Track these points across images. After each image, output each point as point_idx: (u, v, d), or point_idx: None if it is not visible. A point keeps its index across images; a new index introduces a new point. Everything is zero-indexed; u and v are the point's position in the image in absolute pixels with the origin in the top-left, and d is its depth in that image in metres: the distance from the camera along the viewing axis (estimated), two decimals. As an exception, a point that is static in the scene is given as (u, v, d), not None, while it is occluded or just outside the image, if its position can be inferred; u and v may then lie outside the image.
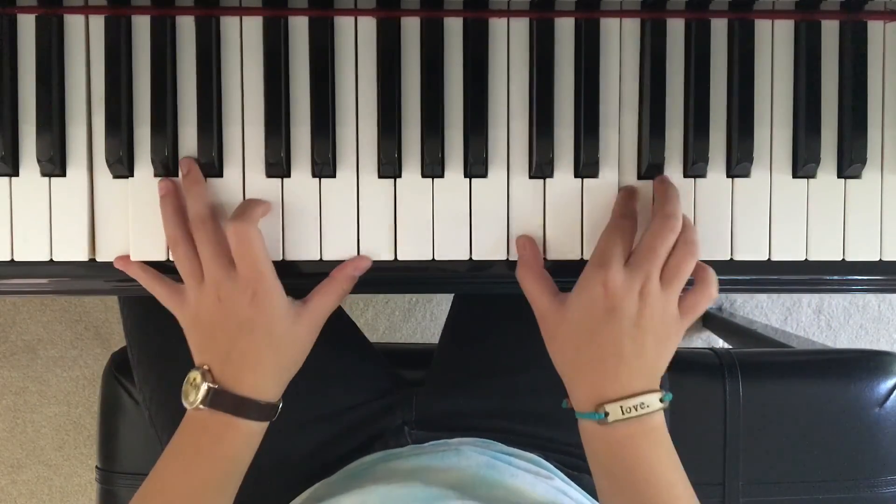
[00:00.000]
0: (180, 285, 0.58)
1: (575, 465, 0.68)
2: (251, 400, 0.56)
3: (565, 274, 0.59)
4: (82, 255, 0.59)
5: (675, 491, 0.53)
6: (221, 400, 0.55)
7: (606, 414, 0.53)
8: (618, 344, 0.53)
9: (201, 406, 0.55)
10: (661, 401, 0.54)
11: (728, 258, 0.61)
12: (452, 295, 0.81)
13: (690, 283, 0.56)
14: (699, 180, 0.61)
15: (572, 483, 0.64)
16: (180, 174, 0.58)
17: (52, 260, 0.59)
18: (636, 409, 0.53)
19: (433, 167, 0.59)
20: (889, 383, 0.82)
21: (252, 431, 0.57)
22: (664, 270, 0.55)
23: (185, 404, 0.56)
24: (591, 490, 0.65)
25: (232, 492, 0.58)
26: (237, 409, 0.56)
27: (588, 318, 0.54)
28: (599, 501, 0.57)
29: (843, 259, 0.61)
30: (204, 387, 0.55)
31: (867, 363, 0.82)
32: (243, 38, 0.59)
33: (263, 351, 0.56)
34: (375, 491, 0.55)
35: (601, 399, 0.54)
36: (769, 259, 0.61)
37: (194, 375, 0.56)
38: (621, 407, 0.53)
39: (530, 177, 0.60)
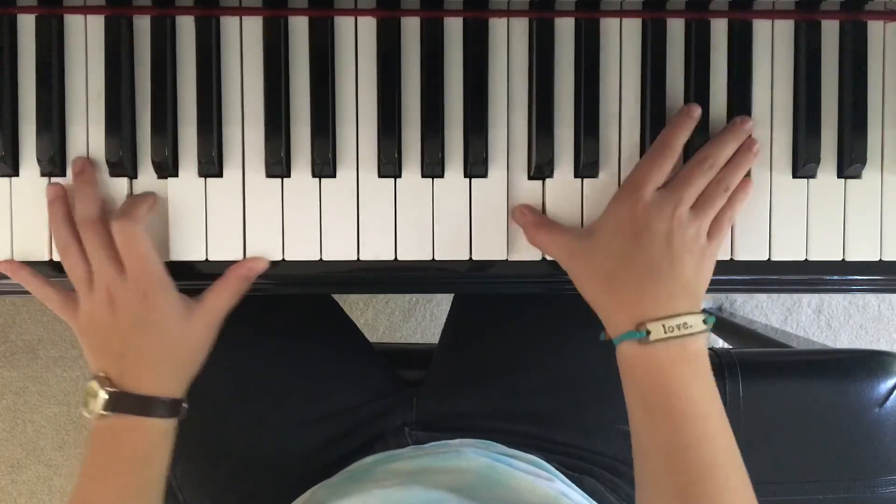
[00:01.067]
0: (72, 292, 0.57)
1: (575, 467, 0.68)
2: (152, 398, 0.56)
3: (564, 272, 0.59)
4: (82, 255, 0.59)
5: (710, 425, 0.52)
6: (124, 402, 0.55)
7: (648, 332, 0.52)
8: (653, 264, 0.53)
9: (103, 412, 0.55)
10: (705, 322, 0.52)
11: (728, 258, 0.61)
12: (452, 295, 0.81)
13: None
14: (699, 180, 0.61)
15: (573, 485, 0.64)
16: (71, 174, 0.58)
17: (52, 260, 0.59)
18: (678, 329, 0.51)
19: (433, 167, 0.59)
20: (889, 383, 0.82)
21: (160, 430, 0.56)
22: (696, 201, 0.55)
23: (87, 414, 0.56)
24: (591, 492, 0.65)
25: (156, 496, 0.57)
26: (140, 407, 0.55)
27: (619, 240, 0.54)
28: (633, 439, 0.55)
29: (844, 259, 0.61)
30: (102, 393, 0.55)
31: (867, 363, 0.82)
32: (243, 38, 0.59)
33: (158, 348, 0.56)
34: (374, 494, 0.55)
35: (642, 318, 0.52)
36: (769, 259, 0.61)
37: (91, 385, 0.56)
38: (663, 325, 0.51)
39: (530, 177, 0.60)
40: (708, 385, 0.53)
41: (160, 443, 0.57)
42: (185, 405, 0.58)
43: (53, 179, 0.59)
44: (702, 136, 0.60)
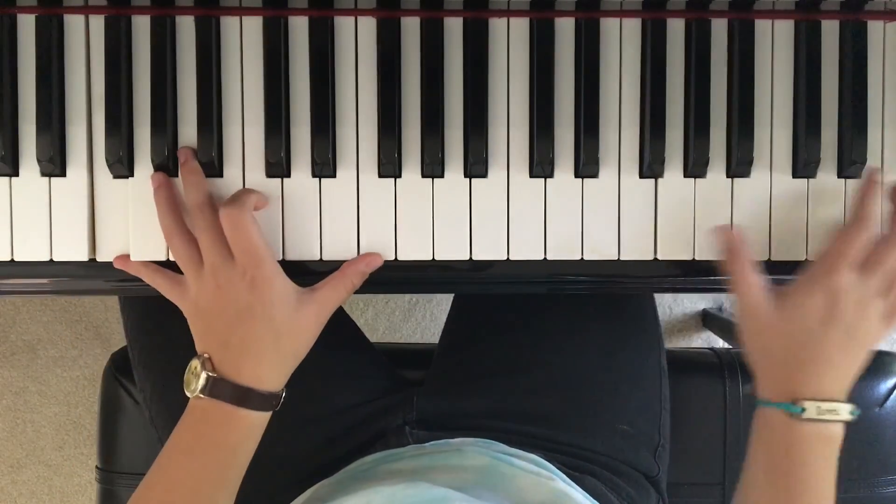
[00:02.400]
0: (181, 276, 0.58)
1: (576, 466, 0.68)
2: (251, 389, 0.56)
3: (565, 269, 0.59)
4: (82, 255, 0.59)
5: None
6: (221, 389, 0.55)
7: (803, 409, 0.55)
8: (829, 351, 0.55)
9: (201, 395, 0.55)
10: (850, 413, 0.55)
11: (728, 258, 0.61)
12: (452, 295, 0.81)
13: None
14: (699, 180, 0.61)
15: (574, 484, 0.64)
16: (179, 164, 0.58)
17: (52, 260, 0.59)
18: (829, 414, 0.55)
19: (433, 167, 0.59)
20: (889, 383, 0.82)
21: (253, 422, 0.56)
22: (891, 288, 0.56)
23: (187, 393, 0.56)
24: (592, 491, 0.65)
25: (234, 484, 0.57)
26: (237, 398, 0.55)
27: (806, 321, 0.56)
28: (744, 489, 0.59)
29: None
30: (203, 375, 0.55)
31: (867, 363, 0.82)
32: (243, 38, 0.59)
33: (263, 338, 0.56)
34: (380, 492, 0.55)
35: (801, 395, 0.55)
36: (769, 259, 0.61)
37: (195, 364, 0.56)
38: (818, 407, 0.55)
39: (530, 176, 0.60)
40: (833, 469, 0.56)
41: (251, 434, 0.57)
42: (283, 396, 0.58)
43: (54, 180, 0.59)
44: (702, 138, 0.60)
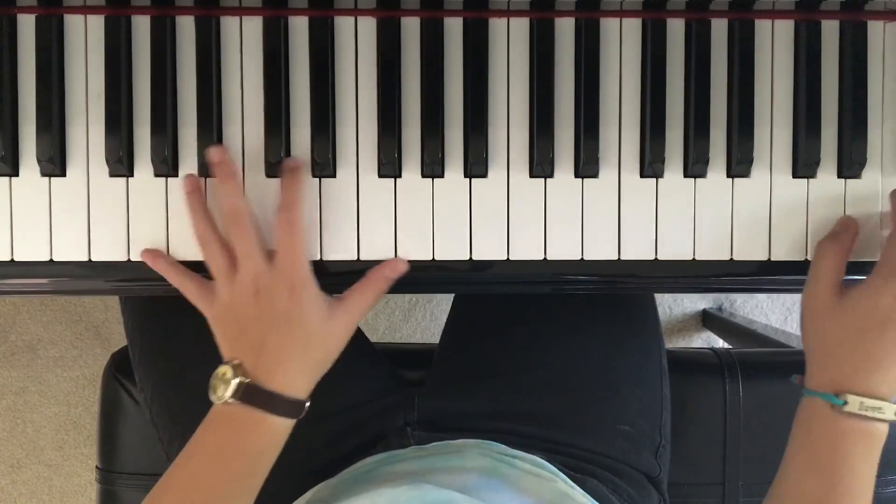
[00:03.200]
0: (209, 282, 0.58)
1: (578, 468, 0.68)
2: (281, 396, 0.55)
3: (565, 269, 0.59)
4: (82, 255, 0.59)
5: (859, 503, 0.55)
6: (252, 394, 0.55)
7: (846, 402, 0.55)
8: (884, 352, 0.55)
9: (231, 400, 0.55)
10: (895, 414, 0.55)
11: (728, 258, 0.61)
12: (453, 295, 0.81)
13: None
14: (699, 180, 0.61)
15: (575, 485, 0.64)
16: (210, 164, 0.58)
17: (52, 260, 0.59)
18: (872, 411, 0.55)
19: (433, 167, 0.59)
20: (889, 383, 0.81)
21: (280, 428, 0.56)
22: None
23: (213, 398, 0.56)
24: (593, 493, 0.65)
25: (254, 491, 0.57)
26: (267, 404, 0.55)
27: (866, 319, 0.56)
28: (779, 480, 0.59)
29: (844, 259, 0.61)
30: (235, 381, 0.55)
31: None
32: (243, 38, 0.59)
33: (297, 345, 0.56)
34: (384, 493, 0.55)
35: (845, 388, 0.55)
36: (769, 259, 0.61)
37: (224, 370, 0.55)
38: (861, 402, 0.55)
39: (530, 176, 0.60)
40: (873, 468, 0.56)
41: (277, 441, 0.57)
42: (307, 406, 0.58)
43: (54, 180, 0.59)
44: (702, 138, 0.60)
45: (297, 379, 0.56)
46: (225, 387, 0.55)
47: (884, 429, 0.56)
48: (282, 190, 0.57)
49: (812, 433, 0.57)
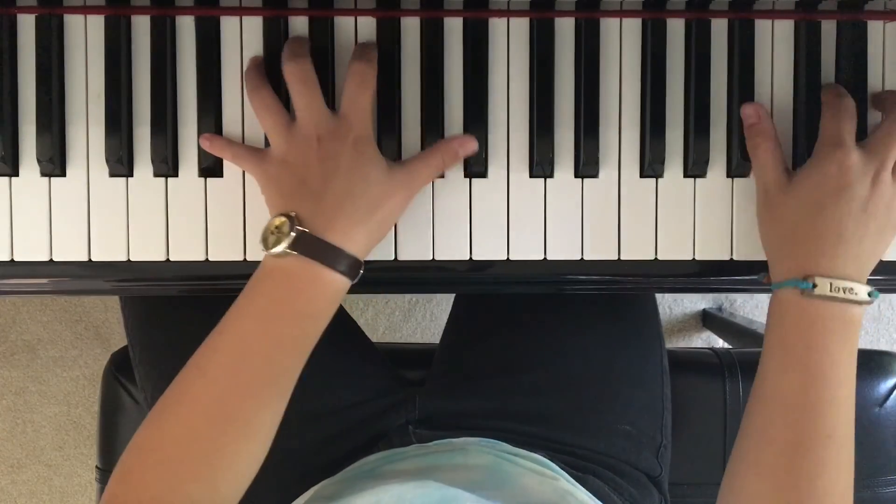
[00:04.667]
0: (259, 148, 0.57)
1: (580, 466, 0.68)
2: (339, 249, 0.52)
3: (565, 269, 0.59)
4: (82, 255, 0.59)
5: (841, 392, 0.53)
6: (311, 245, 0.52)
7: (815, 285, 0.53)
8: (841, 224, 0.53)
9: (287, 250, 0.51)
10: (869, 295, 0.53)
11: (728, 258, 0.61)
12: (453, 295, 0.81)
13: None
14: (699, 180, 0.61)
15: (577, 484, 0.64)
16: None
17: (52, 260, 0.59)
18: (843, 292, 0.52)
19: (433, 167, 0.59)
20: (889, 383, 0.82)
21: (336, 287, 0.53)
22: None
23: (264, 250, 0.52)
24: (595, 492, 0.65)
25: (304, 358, 0.54)
26: (327, 256, 0.52)
27: (816, 194, 0.54)
28: (757, 384, 0.56)
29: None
30: (291, 230, 0.51)
31: (867, 363, 0.82)
32: (243, 38, 0.59)
33: (357, 196, 0.53)
34: (389, 490, 0.54)
35: (813, 271, 0.53)
36: (769, 259, 0.61)
37: (278, 221, 0.52)
38: (831, 283, 0.53)
39: (530, 176, 0.60)
40: (852, 354, 0.53)
41: (333, 302, 0.54)
42: (362, 272, 0.55)
43: (54, 180, 0.59)
44: (702, 138, 0.60)
45: (356, 233, 0.53)
46: (279, 237, 0.52)
47: (859, 312, 0.54)
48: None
49: (784, 326, 0.55)
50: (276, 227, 0.52)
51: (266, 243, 0.52)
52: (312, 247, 0.52)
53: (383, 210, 0.55)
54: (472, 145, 0.58)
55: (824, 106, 0.58)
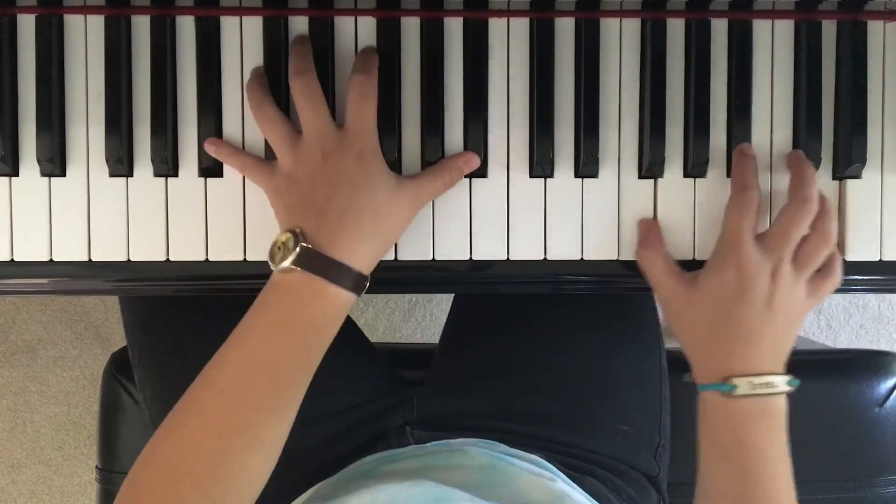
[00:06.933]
0: (269, 161, 0.57)
1: (577, 467, 0.68)
2: (344, 264, 0.53)
3: (565, 269, 0.59)
4: (82, 255, 0.59)
5: (776, 483, 0.55)
6: (315, 260, 0.52)
7: (735, 387, 0.54)
8: (749, 325, 0.55)
9: (292, 266, 0.52)
10: (788, 384, 0.55)
11: (728, 258, 0.61)
12: (453, 295, 0.81)
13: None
14: (699, 180, 0.61)
15: (574, 485, 0.64)
16: (291, 46, 0.58)
17: (52, 260, 0.59)
18: (763, 387, 0.54)
19: (433, 167, 0.59)
20: (889, 383, 0.82)
21: (340, 302, 0.54)
22: (796, 254, 0.56)
23: (272, 266, 0.53)
24: (592, 492, 0.65)
25: (312, 369, 0.55)
26: (329, 272, 0.52)
27: (720, 298, 0.55)
28: (700, 478, 0.58)
29: (844, 259, 0.61)
30: (296, 247, 0.52)
31: (867, 363, 0.82)
32: (243, 38, 0.59)
33: (362, 210, 0.53)
34: (385, 490, 0.55)
35: (731, 372, 0.55)
36: (769, 259, 0.61)
37: (284, 237, 0.53)
38: (750, 382, 0.54)
39: (530, 176, 0.60)
40: (782, 443, 0.56)
41: (338, 316, 0.55)
42: (367, 283, 0.55)
43: (54, 180, 0.59)
44: (702, 138, 0.60)
45: (360, 248, 0.54)
46: (285, 253, 0.52)
47: (781, 402, 0.55)
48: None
49: (714, 425, 0.57)
50: (283, 243, 0.53)
51: (273, 259, 0.53)
52: (316, 263, 0.52)
53: (388, 224, 0.55)
54: (475, 162, 0.59)
55: (730, 200, 0.58)
